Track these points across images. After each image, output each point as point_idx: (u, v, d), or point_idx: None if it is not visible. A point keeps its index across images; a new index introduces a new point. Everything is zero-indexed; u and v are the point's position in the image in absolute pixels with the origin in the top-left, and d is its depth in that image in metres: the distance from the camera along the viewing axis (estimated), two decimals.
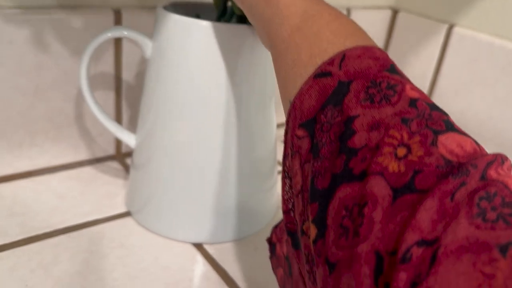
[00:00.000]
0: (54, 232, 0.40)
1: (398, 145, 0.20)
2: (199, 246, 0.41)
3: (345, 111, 0.22)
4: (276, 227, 0.32)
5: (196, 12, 0.42)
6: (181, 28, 0.36)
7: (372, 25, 0.69)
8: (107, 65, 0.48)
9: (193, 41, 0.36)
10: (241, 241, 0.43)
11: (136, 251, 0.39)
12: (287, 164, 0.26)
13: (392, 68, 0.23)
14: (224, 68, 0.36)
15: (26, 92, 0.44)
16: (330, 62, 0.24)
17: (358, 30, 0.26)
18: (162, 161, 0.40)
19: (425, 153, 0.19)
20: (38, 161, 0.48)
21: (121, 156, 0.53)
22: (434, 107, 0.22)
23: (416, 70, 0.67)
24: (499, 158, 0.19)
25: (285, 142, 0.26)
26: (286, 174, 0.26)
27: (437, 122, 0.20)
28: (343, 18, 0.26)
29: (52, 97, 0.46)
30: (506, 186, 0.18)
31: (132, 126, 0.52)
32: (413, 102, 0.21)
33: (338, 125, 0.22)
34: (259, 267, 0.40)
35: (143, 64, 0.50)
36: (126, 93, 0.51)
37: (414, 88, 0.22)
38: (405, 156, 0.19)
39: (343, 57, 0.23)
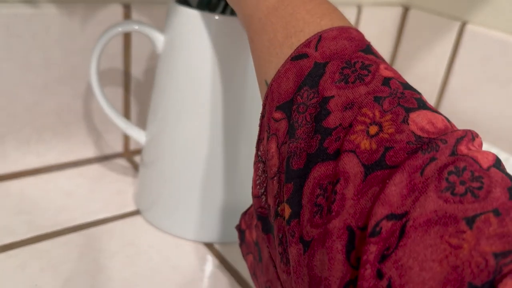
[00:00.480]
0: (63, 231, 0.39)
1: (370, 123, 0.20)
2: (209, 245, 0.40)
3: (320, 92, 0.22)
4: (245, 213, 0.32)
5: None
6: (193, 22, 0.35)
7: (383, 22, 0.68)
8: (115, 60, 0.47)
9: (206, 35, 0.35)
10: None
11: (146, 250, 0.39)
12: (261, 149, 0.26)
13: (368, 49, 0.24)
14: (237, 62, 0.36)
15: (34, 88, 0.44)
16: (307, 44, 0.24)
17: (334, 10, 0.26)
18: (172, 158, 0.39)
19: (396, 130, 0.19)
20: (46, 158, 0.47)
21: (129, 154, 0.52)
22: (407, 86, 0.22)
23: (428, 68, 0.66)
24: (470, 134, 0.20)
25: (261, 126, 0.26)
26: (260, 159, 0.26)
27: (409, 100, 0.21)
28: None
29: (60, 93, 0.45)
30: (475, 160, 0.18)
31: (141, 123, 0.52)
32: (386, 81, 0.21)
33: (314, 106, 0.22)
34: None
35: (152, 60, 0.49)
36: (135, 89, 0.50)
37: (388, 67, 0.23)
38: (377, 133, 0.20)
39: (319, 39, 0.24)
